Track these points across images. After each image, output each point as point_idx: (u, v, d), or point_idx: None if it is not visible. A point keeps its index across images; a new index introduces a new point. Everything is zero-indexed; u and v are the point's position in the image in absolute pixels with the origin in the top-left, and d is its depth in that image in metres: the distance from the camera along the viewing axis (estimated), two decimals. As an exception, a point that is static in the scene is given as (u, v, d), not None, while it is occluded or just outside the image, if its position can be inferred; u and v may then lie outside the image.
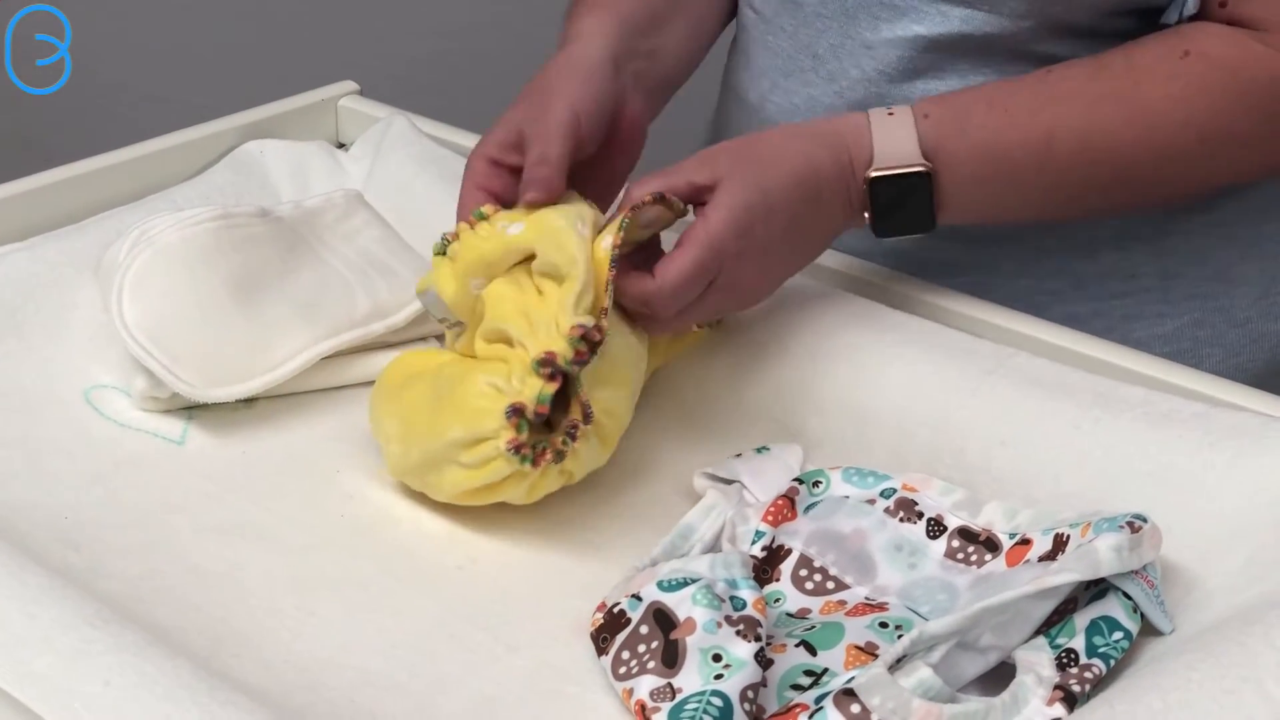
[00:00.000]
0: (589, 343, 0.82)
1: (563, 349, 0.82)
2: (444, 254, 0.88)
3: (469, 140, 1.15)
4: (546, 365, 0.82)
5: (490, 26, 2.02)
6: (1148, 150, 0.90)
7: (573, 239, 0.85)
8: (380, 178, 1.11)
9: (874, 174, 0.90)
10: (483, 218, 0.88)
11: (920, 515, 0.82)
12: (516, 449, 0.81)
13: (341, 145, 1.20)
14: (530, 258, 0.86)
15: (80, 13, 1.68)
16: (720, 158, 0.88)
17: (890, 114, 0.91)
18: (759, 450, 0.89)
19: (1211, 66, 0.90)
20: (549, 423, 0.84)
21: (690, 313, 0.88)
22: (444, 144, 1.14)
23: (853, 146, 0.91)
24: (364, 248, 1.01)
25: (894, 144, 0.90)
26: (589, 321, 0.83)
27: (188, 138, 1.13)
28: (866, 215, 0.92)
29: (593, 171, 0.92)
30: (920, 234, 0.92)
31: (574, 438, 0.84)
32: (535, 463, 0.82)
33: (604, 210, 0.91)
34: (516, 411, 0.81)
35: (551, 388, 0.81)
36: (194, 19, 2.09)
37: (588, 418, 0.84)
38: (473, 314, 0.88)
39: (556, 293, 0.84)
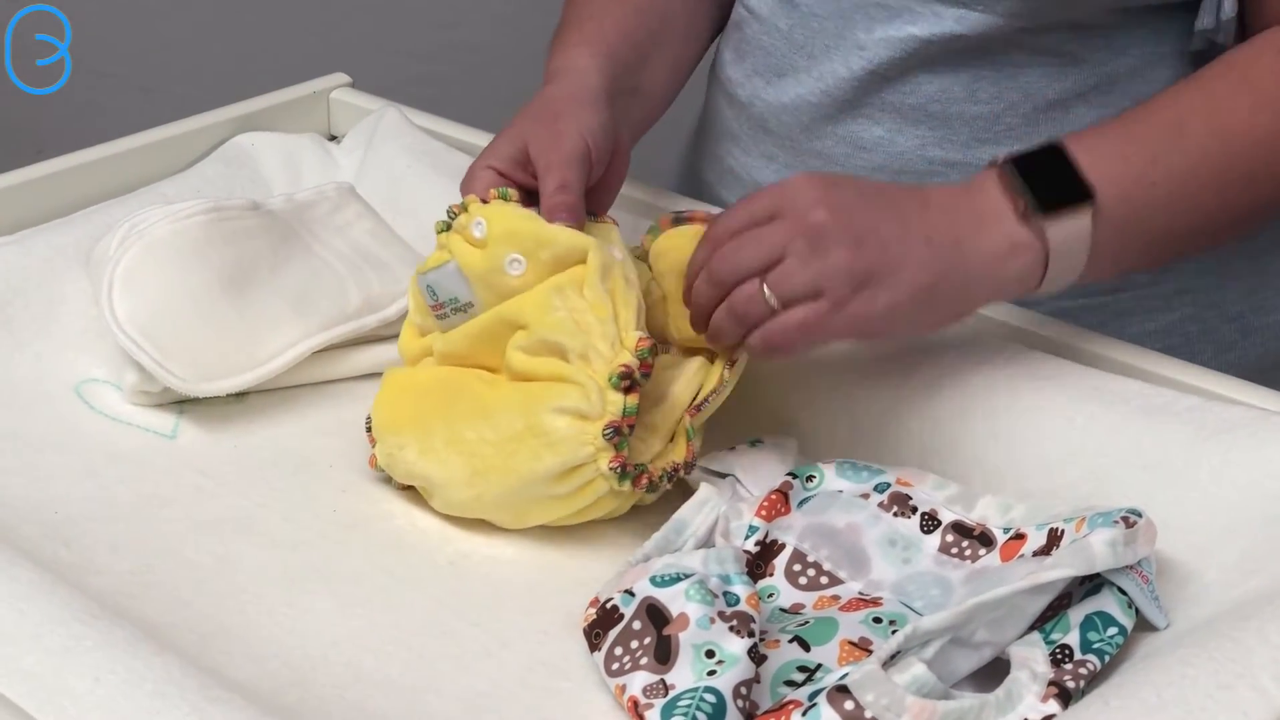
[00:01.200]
0: (653, 354, 0.83)
1: (633, 360, 0.82)
2: (448, 229, 0.88)
3: (461, 133, 1.15)
4: (626, 378, 0.81)
5: (482, 19, 2.01)
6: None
7: (618, 252, 0.86)
8: (372, 170, 1.11)
9: (1006, 157, 0.85)
10: (506, 197, 0.87)
11: (914, 510, 0.82)
12: (621, 468, 0.81)
13: (333, 138, 1.20)
14: (566, 265, 0.85)
15: (76, 7, 1.68)
16: None
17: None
18: (753, 443, 0.88)
19: None
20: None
21: (782, 278, 0.82)
22: (436, 136, 1.14)
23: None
24: (356, 240, 1.01)
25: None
26: (646, 333, 0.83)
27: (179, 130, 1.13)
28: (1019, 200, 0.84)
29: (590, 201, 0.91)
30: (1083, 204, 0.84)
31: (672, 480, 0.85)
32: (635, 483, 0.82)
33: None
34: (617, 431, 0.81)
35: (634, 400, 0.81)
36: (185, 12, 2.08)
37: (690, 468, 0.85)
38: (498, 297, 0.86)
39: (610, 304, 0.83)
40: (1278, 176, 0.89)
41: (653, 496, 0.85)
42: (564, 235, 0.84)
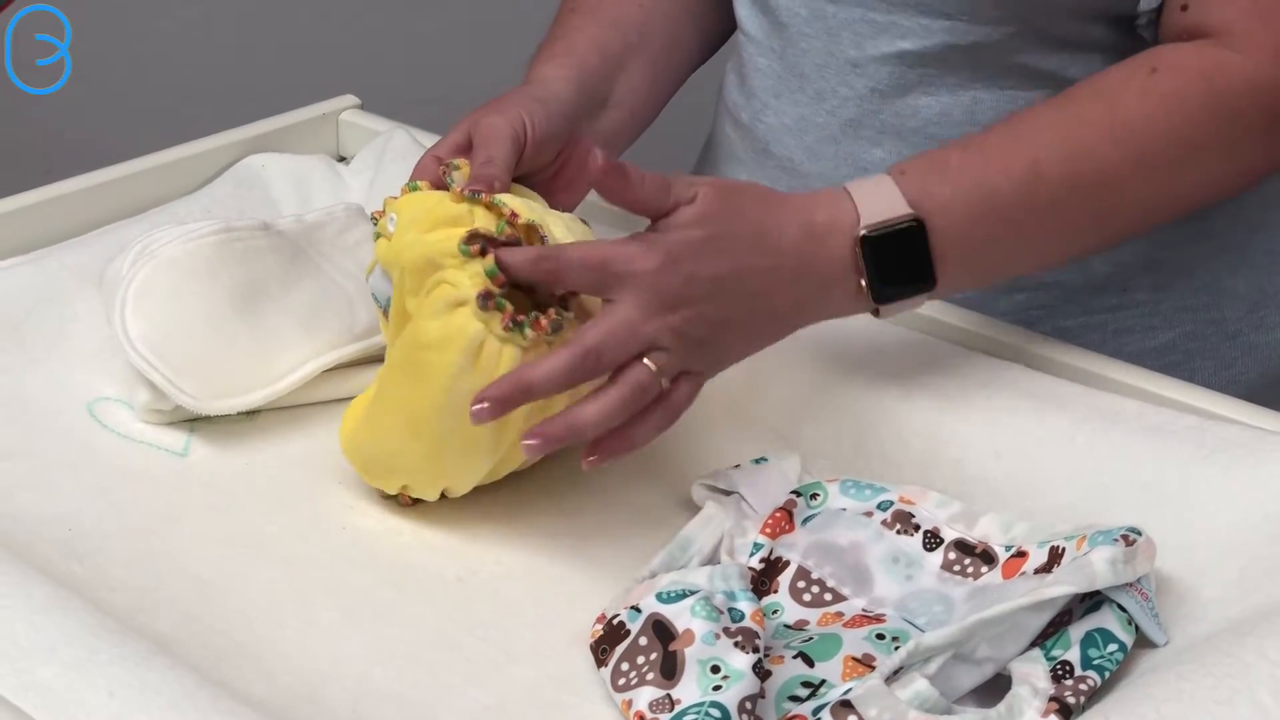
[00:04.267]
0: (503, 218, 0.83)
1: (486, 225, 0.82)
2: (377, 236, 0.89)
3: (469, 154, 1.16)
4: (474, 240, 0.81)
5: (491, 42, 2.02)
6: (1133, 166, 0.89)
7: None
8: (381, 191, 1.11)
9: (864, 232, 0.85)
10: (416, 189, 0.88)
11: (917, 528, 0.83)
12: (514, 322, 0.81)
13: (342, 159, 1.21)
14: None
15: (84, 20, 1.68)
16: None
17: (865, 182, 0.88)
18: (757, 461, 0.89)
19: (1182, 77, 0.89)
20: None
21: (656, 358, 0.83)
22: (444, 158, 1.15)
23: (836, 210, 0.87)
24: (364, 261, 1.01)
25: (877, 200, 0.86)
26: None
27: (190, 152, 1.14)
28: (863, 281, 0.86)
29: (548, 199, 0.93)
30: (922, 294, 0.88)
31: (566, 304, 0.83)
32: (534, 326, 0.81)
33: None
34: (488, 295, 0.81)
35: (490, 260, 0.81)
36: (195, 33, 2.09)
37: (575, 292, 0.84)
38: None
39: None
40: (1124, 213, 0.91)
41: (559, 337, 0.83)
42: (452, 205, 0.85)
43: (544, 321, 0.82)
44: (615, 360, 0.81)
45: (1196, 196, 0.94)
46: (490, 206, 0.85)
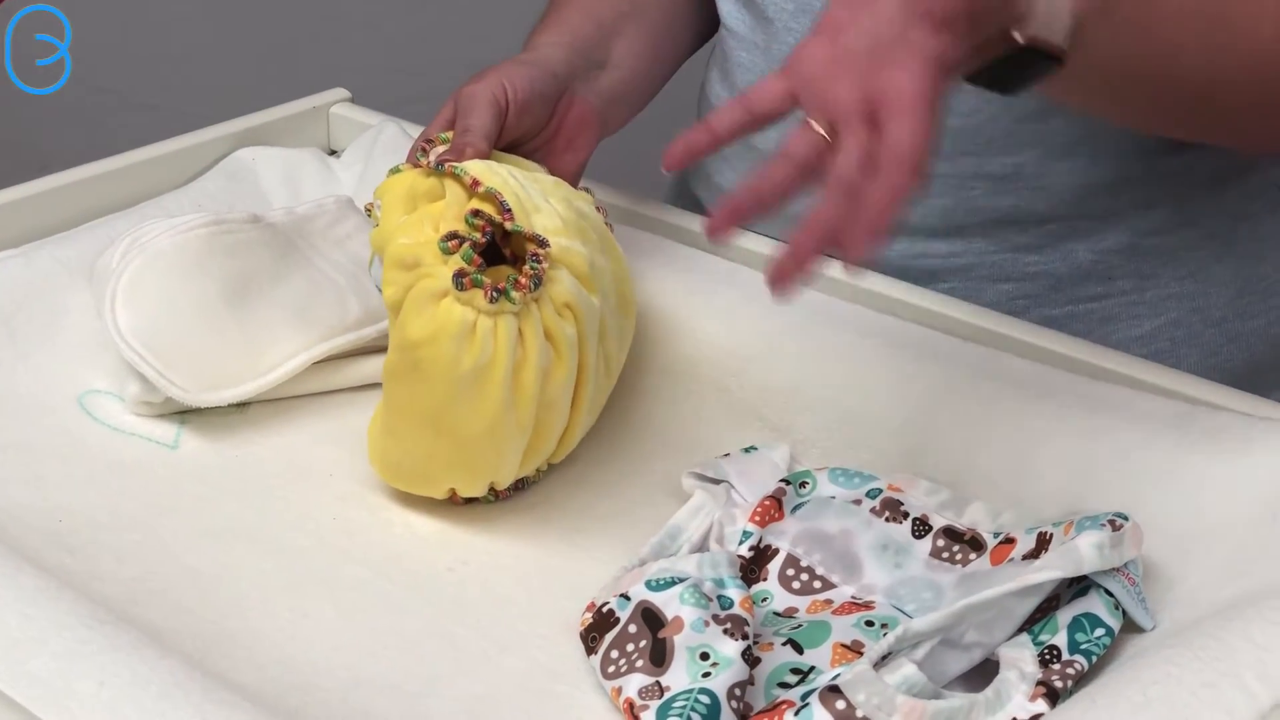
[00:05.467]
0: (483, 219, 0.83)
1: (463, 229, 0.83)
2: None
3: (459, 146, 1.16)
4: (451, 238, 0.82)
5: (481, 34, 2.02)
6: (1253, 26, 0.84)
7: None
8: (371, 184, 1.11)
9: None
10: (397, 171, 0.88)
11: (906, 515, 0.83)
12: (496, 290, 0.81)
13: (333, 152, 1.21)
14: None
15: (78, 16, 1.69)
16: None
17: None
18: (747, 450, 0.89)
19: None
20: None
21: None
22: (434, 150, 1.15)
23: None
24: (355, 253, 1.02)
25: None
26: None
27: (180, 145, 1.14)
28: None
29: (542, 161, 0.93)
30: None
31: (539, 259, 0.83)
32: (517, 287, 0.81)
33: None
34: (461, 275, 0.81)
35: (468, 248, 0.81)
36: (185, 26, 2.09)
37: (543, 242, 0.84)
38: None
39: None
40: (1233, 58, 0.85)
41: (544, 290, 0.83)
42: (423, 180, 0.86)
43: (524, 280, 0.82)
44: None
45: None
46: (453, 176, 0.85)
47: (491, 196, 0.84)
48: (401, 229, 0.84)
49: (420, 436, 0.85)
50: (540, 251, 0.84)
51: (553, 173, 0.94)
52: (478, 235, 0.82)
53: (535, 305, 0.83)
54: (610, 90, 1.02)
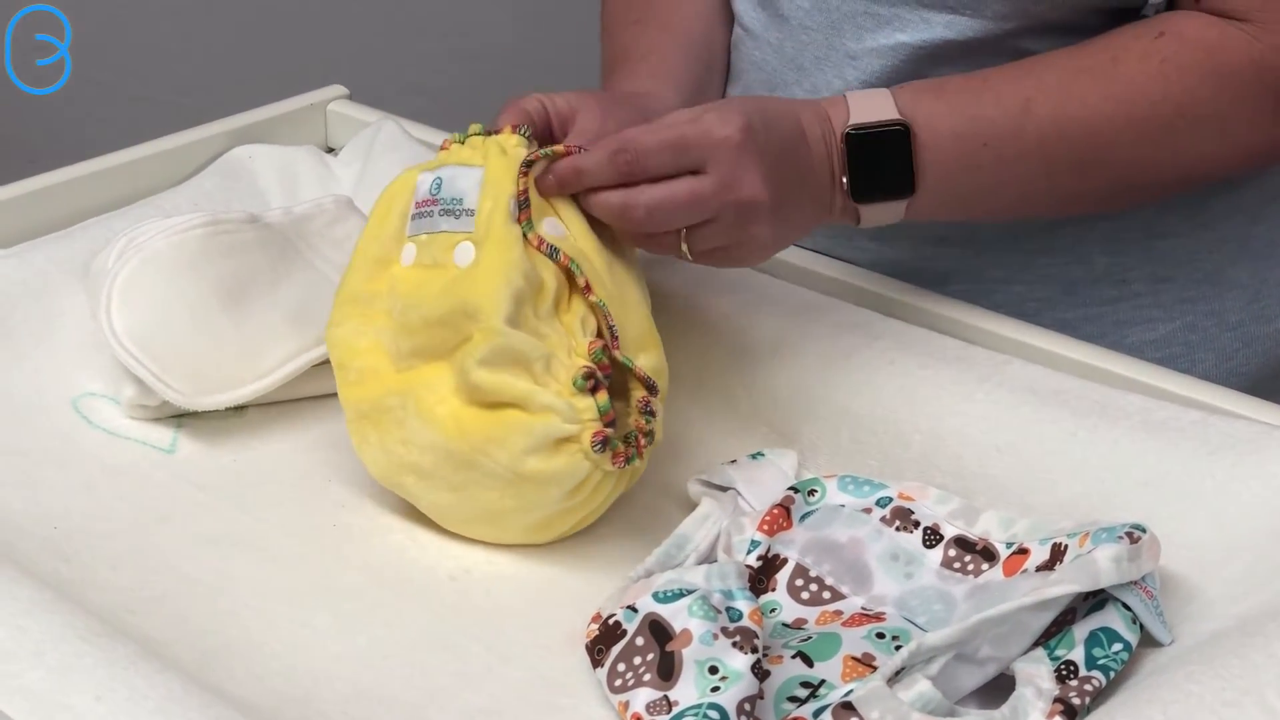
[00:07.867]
0: (606, 353, 0.82)
1: (590, 363, 0.81)
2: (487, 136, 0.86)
3: (459, 145, 1.15)
4: (590, 378, 0.81)
5: (479, 31, 2.01)
6: (1124, 124, 0.90)
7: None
8: (370, 183, 1.11)
9: (850, 130, 0.89)
10: (524, 133, 0.85)
11: (916, 524, 0.82)
12: (603, 443, 0.80)
13: (331, 150, 1.20)
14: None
15: (76, 15, 1.68)
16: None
17: (865, 91, 0.92)
18: (754, 456, 0.88)
19: (1187, 46, 0.90)
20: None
21: (695, 227, 0.85)
22: (434, 148, 1.13)
23: (830, 109, 0.90)
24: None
25: (870, 105, 0.90)
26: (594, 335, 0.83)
27: (176, 143, 1.13)
28: (844, 179, 0.90)
29: None
30: (900, 197, 0.91)
31: (652, 412, 0.83)
32: (639, 453, 0.82)
33: None
34: (605, 441, 0.80)
35: (604, 396, 0.81)
36: (182, 23, 2.08)
37: (653, 388, 0.84)
38: (484, 228, 0.83)
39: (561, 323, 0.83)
40: (1108, 165, 0.92)
41: (653, 445, 0.84)
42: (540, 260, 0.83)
43: (643, 439, 0.83)
44: (663, 220, 0.84)
45: (1186, 168, 0.94)
46: (568, 271, 0.83)
47: (602, 312, 0.83)
48: (524, 319, 0.81)
49: (473, 524, 0.85)
50: (653, 401, 0.83)
51: None
52: (601, 374, 0.81)
53: (640, 460, 0.83)
54: None
